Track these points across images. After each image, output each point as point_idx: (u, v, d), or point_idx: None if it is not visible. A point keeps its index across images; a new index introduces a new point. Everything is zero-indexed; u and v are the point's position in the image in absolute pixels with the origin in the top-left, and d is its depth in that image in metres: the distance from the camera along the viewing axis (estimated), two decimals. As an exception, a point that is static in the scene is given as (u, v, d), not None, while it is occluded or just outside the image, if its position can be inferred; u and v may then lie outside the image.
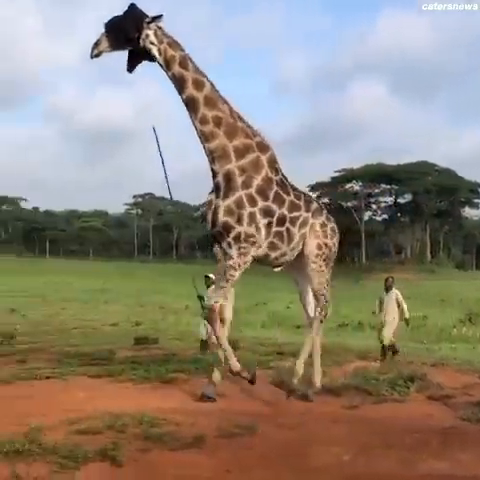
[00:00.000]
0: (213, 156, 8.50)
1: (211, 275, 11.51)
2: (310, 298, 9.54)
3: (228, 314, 9.05)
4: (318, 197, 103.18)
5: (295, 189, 9.07)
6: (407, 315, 13.35)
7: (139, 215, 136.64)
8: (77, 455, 5.92)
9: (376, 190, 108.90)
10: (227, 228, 8.34)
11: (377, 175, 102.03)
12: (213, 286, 10.89)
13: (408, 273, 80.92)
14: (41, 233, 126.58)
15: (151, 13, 8.23)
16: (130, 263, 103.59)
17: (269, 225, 8.53)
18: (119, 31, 8.18)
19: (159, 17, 8.23)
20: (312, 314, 9.47)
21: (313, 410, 8.41)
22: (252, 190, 8.40)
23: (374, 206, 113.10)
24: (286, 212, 8.70)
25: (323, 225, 9.17)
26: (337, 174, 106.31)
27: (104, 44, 8.16)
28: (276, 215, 8.58)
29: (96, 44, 8.16)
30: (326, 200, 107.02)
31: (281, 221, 8.66)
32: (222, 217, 8.32)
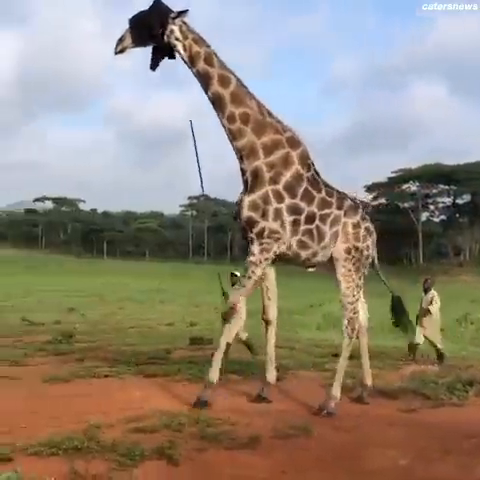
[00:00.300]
0: (242, 154, 8.36)
1: (237, 272, 11.38)
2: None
3: (272, 315, 9.01)
4: (374, 198, 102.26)
5: (327, 186, 8.72)
6: (432, 312, 13.12)
7: (194, 216, 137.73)
8: (135, 453, 6.01)
9: (434, 190, 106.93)
10: (251, 223, 8.20)
11: (435, 175, 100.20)
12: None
13: (467, 275, 79.37)
14: (99, 234, 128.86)
15: (177, 8, 8.07)
16: (185, 264, 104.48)
17: (296, 223, 8.28)
18: (143, 27, 8.06)
19: (184, 12, 8.06)
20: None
21: (369, 413, 8.32)
22: (279, 186, 8.22)
23: (432, 207, 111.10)
24: (315, 209, 8.41)
25: (356, 225, 8.72)
26: (394, 175, 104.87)
27: (128, 40, 8.09)
28: (304, 213, 8.33)
29: (120, 40, 8.09)
30: (383, 201, 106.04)
31: (310, 219, 8.38)
32: (246, 212, 8.20)
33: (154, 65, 8.35)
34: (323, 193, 8.55)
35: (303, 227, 8.35)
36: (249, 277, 8.23)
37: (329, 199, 8.59)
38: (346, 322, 8.71)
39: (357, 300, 8.78)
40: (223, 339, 8.43)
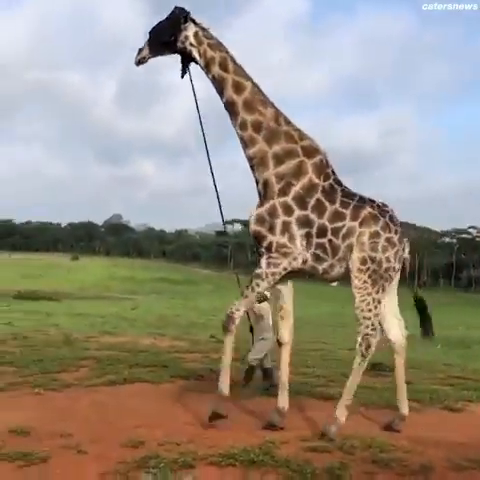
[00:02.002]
0: (252, 163, 8.20)
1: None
2: (389, 316, 8.59)
3: (286, 336, 8.67)
4: None
5: (348, 195, 8.16)
6: None
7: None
8: (306, 470, 6.23)
9: None
10: (259, 237, 8.02)
11: None
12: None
13: None
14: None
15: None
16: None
17: (308, 235, 7.94)
18: (156, 36, 8.21)
19: (187, 14, 8.12)
20: (393, 337, 8.61)
21: None
22: (288, 198, 7.94)
23: None
24: (327, 223, 7.95)
25: (374, 235, 7.96)
26: None
27: (145, 50, 8.25)
28: (315, 225, 7.94)
29: (139, 50, 8.28)
30: None
31: (322, 232, 7.95)
32: (253, 226, 8.06)
33: (183, 73, 8.47)
34: (337, 204, 8.04)
35: (316, 240, 7.97)
36: (252, 289, 8.00)
37: (342, 211, 8.03)
38: (360, 339, 8.11)
39: (375, 316, 8.07)
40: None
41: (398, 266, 8.21)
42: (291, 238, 7.91)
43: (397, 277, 8.41)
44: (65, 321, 26.16)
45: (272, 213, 7.98)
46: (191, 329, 25.26)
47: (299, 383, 11.36)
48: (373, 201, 8.32)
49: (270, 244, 7.95)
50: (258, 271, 8.03)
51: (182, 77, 8.51)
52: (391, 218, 8.21)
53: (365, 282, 7.95)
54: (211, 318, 33.56)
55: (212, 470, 6.24)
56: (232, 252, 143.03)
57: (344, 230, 8.00)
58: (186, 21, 8.15)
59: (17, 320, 25.03)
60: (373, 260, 7.95)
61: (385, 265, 7.99)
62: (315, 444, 7.29)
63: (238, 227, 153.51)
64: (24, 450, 6.63)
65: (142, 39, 8.40)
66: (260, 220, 8.03)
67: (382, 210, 8.21)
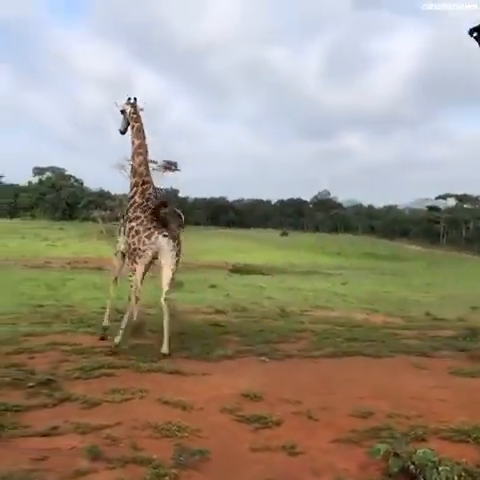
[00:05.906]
0: None
1: None
2: (161, 283, 11.31)
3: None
4: None
5: (140, 205, 11.55)
6: None
7: None
8: None
9: None
10: None
11: None
12: None
13: None
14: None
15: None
16: None
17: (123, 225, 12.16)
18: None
19: (128, 100, 12.48)
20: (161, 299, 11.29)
21: None
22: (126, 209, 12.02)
23: None
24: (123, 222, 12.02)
25: (129, 228, 11.39)
26: None
27: (123, 123, 12.52)
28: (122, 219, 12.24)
29: (121, 124, 12.56)
30: None
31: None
32: None
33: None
34: (130, 210, 11.65)
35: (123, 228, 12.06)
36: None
37: (129, 213, 11.64)
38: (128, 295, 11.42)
39: (135, 279, 11.20)
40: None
41: (143, 247, 11.10)
42: (119, 231, 12.25)
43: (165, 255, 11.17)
44: (278, 294, 26.97)
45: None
46: (404, 305, 24.79)
47: None
48: (150, 205, 11.42)
49: None
50: None
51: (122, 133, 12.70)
52: (149, 214, 11.21)
53: (128, 258, 11.53)
54: (424, 295, 32.73)
55: (445, 445, 6.13)
56: (445, 228, 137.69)
57: (122, 221, 12.16)
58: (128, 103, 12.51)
59: (234, 292, 26.33)
60: (129, 245, 11.32)
61: (132, 247, 11.24)
62: None
63: (452, 202, 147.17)
64: (259, 413, 7.04)
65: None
66: None
67: (147, 209, 11.37)
